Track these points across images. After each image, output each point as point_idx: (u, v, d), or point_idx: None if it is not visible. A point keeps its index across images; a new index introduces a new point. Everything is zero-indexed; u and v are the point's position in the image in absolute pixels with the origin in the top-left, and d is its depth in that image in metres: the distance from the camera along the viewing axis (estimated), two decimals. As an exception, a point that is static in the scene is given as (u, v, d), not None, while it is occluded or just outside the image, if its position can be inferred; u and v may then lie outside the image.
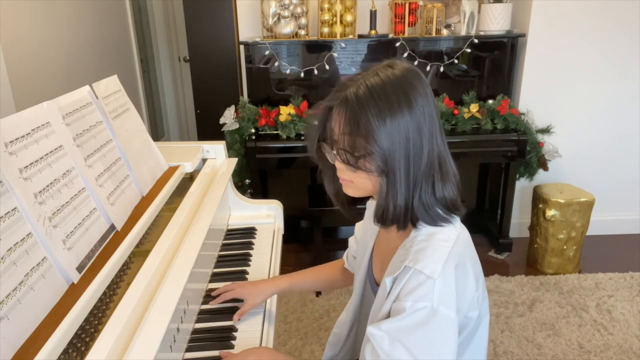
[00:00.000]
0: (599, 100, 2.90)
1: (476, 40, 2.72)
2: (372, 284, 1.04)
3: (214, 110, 2.85)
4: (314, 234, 2.64)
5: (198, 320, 1.16)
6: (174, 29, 4.49)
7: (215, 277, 1.34)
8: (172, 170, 1.46)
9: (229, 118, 2.68)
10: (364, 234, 1.13)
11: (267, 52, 2.69)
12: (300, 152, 2.59)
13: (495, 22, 2.70)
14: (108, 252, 1.00)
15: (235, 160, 1.73)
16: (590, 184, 2.89)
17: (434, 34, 2.74)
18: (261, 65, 2.76)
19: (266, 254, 1.49)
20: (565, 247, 2.69)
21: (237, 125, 2.64)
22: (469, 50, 2.74)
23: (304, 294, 2.51)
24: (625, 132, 2.96)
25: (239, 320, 1.16)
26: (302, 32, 2.72)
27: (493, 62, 2.83)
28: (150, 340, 0.82)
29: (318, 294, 2.53)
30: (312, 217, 2.67)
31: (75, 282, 0.90)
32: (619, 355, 2.09)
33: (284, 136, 2.58)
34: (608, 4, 2.71)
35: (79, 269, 0.92)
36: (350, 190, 0.91)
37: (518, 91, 2.90)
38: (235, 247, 1.51)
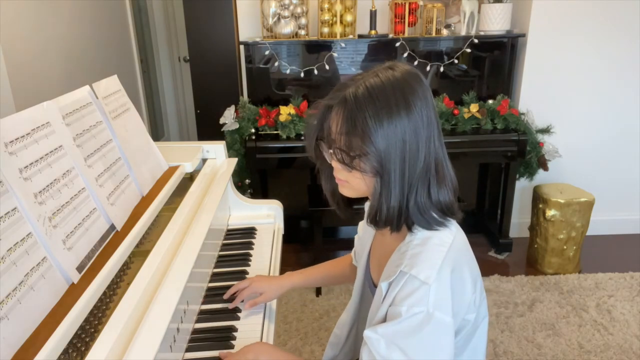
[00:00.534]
0: (599, 100, 2.90)
1: (476, 40, 2.72)
2: (370, 284, 1.04)
3: (214, 110, 2.85)
4: (314, 234, 2.64)
5: (198, 320, 1.16)
6: (174, 29, 4.49)
7: (215, 277, 1.34)
8: (172, 170, 1.46)
9: (229, 118, 2.68)
10: (363, 234, 1.13)
11: (267, 52, 2.69)
12: (300, 152, 2.59)
13: (495, 22, 2.70)
14: (108, 252, 1.00)
15: (235, 160, 1.73)
16: (590, 184, 2.89)
17: (434, 34, 2.74)
18: (261, 65, 2.76)
19: (266, 254, 1.49)
20: (565, 247, 2.69)
21: (237, 125, 2.64)
22: (469, 50, 2.74)
23: (304, 294, 2.51)
24: (625, 132, 2.96)
25: (247, 309, 1.19)
26: (302, 32, 2.72)
27: (493, 62, 2.83)
28: (150, 340, 0.82)
29: (318, 294, 2.53)
30: (312, 217, 2.67)
31: (75, 282, 0.90)
32: (619, 355, 2.09)
33: (284, 136, 2.59)
34: (608, 4, 2.71)
35: (79, 269, 0.92)
36: (346, 190, 0.91)
37: (518, 91, 2.90)
38: (235, 247, 1.51)
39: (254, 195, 2.70)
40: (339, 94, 0.84)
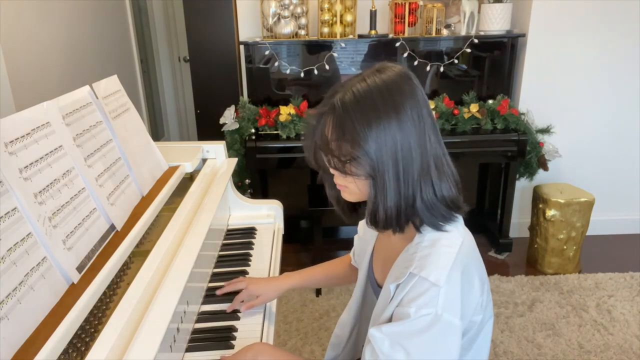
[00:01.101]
0: (599, 100, 2.90)
1: (476, 40, 2.72)
2: (374, 285, 1.04)
3: (214, 110, 2.85)
4: (314, 234, 2.64)
5: (198, 320, 1.16)
6: (174, 29, 4.49)
7: (215, 277, 1.34)
8: (172, 170, 1.46)
9: (229, 118, 2.68)
10: (364, 233, 1.13)
11: (267, 52, 2.69)
12: (300, 152, 2.59)
13: (495, 22, 2.70)
14: (108, 252, 1.00)
15: (235, 160, 1.73)
16: (590, 184, 2.89)
17: (434, 34, 2.74)
18: (261, 65, 2.76)
19: (266, 254, 1.49)
20: (565, 247, 2.69)
21: (237, 125, 2.64)
22: (469, 50, 2.74)
23: (303, 294, 2.51)
24: (625, 131, 2.96)
25: (244, 311, 1.18)
26: (302, 32, 2.72)
27: (493, 62, 2.83)
28: (150, 340, 0.82)
29: (318, 294, 2.53)
30: (312, 217, 2.67)
31: (75, 282, 0.90)
32: (619, 355, 2.09)
33: (284, 136, 2.59)
34: (608, 4, 2.71)
35: (79, 269, 0.92)
36: (347, 195, 0.91)
37: (518, 91, 2.90)
38: (235, 247, 1.51)
39: (254, 195, 2.70)
40: (329, 101, 0.84)
